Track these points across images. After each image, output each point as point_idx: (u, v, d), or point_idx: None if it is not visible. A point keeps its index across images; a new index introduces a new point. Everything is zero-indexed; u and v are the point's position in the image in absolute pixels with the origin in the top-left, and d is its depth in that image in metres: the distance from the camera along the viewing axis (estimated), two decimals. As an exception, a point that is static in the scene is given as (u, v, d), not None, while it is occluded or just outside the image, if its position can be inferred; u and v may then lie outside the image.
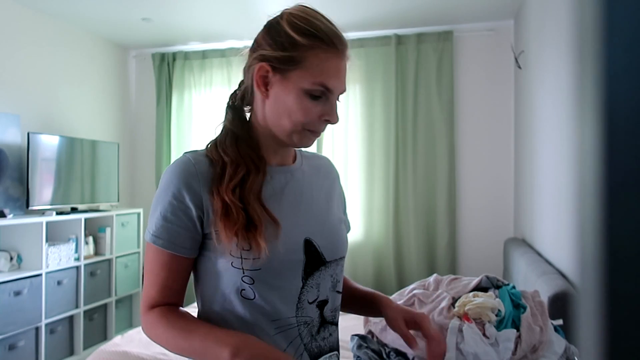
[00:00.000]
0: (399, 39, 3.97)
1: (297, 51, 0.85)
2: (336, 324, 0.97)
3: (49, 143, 3.41)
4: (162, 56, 4.45)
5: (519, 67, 3.41)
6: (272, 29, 0.89)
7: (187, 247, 0.87)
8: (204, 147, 0.94)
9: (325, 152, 4.07)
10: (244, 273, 0.85)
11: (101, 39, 4.27)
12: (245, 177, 0.88)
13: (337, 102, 0.91)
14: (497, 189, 3.90)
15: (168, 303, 0.90)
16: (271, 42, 0.88)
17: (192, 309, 1.01)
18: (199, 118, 4.37)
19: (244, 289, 0.86)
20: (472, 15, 3.74)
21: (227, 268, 0.86)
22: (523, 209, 3.42)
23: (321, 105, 0.88)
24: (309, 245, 0.91)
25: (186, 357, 0.86)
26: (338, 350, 0.98)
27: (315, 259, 0.92)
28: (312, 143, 0.94)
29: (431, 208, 3.93)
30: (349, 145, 4.08)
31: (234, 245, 0.84)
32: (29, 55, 3.53)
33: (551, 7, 2.50)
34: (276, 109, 0.89)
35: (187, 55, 4.42)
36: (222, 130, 0.95)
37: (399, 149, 3.95)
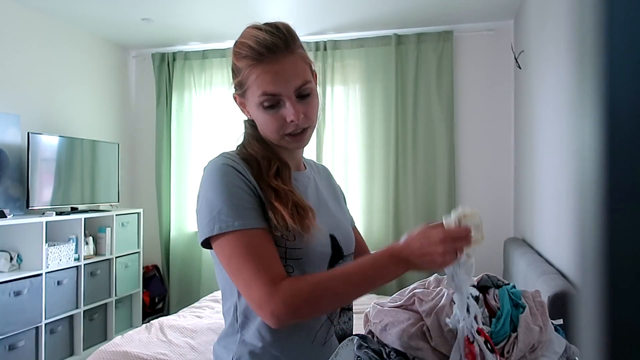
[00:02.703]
0: (399, 39, 3.96)
1: (241, 75, 0.94)
2: (351, 310, 1.08)
3: (49, 143, 3.41)
4: (162, 56, 4.45)
5: (519, 67, 3.41)
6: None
7: (266, 224, 0.91)
8: (232, 150, 1.01)
9: (325, 152, 4.08)
10: (286, 262, 0.92)
11: (101, 39, 4.27)
12: (279, 168, 0.97)
13: (304, 98, 0.94)
14: (497, 189, 3.90)
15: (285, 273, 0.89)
16: (232, 73, 0.99)
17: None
18: (199, 118, 4.37)
19: None
20: (472, 15, 3.74)
21: None
22: (523, 209, 3.42)
23: (281, 110, 0.93)
24: (333, 240, 1.01)
25: (351, 295, 0.91)
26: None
27: (337, 253, 1.02)
28: (304, 143, 0.99)
29: (431, 208, 3.93)
30: (349, 145, 4.08)
31: (280, 236, 0.90)
32: (29, 55, 3.53)
33: (551, 7, 2.50)
34: (257, 124, 0.99)
35: (187, 55, 4.42)
36: (244, 137, 1.03)
37: (399, 148, 3.95)
